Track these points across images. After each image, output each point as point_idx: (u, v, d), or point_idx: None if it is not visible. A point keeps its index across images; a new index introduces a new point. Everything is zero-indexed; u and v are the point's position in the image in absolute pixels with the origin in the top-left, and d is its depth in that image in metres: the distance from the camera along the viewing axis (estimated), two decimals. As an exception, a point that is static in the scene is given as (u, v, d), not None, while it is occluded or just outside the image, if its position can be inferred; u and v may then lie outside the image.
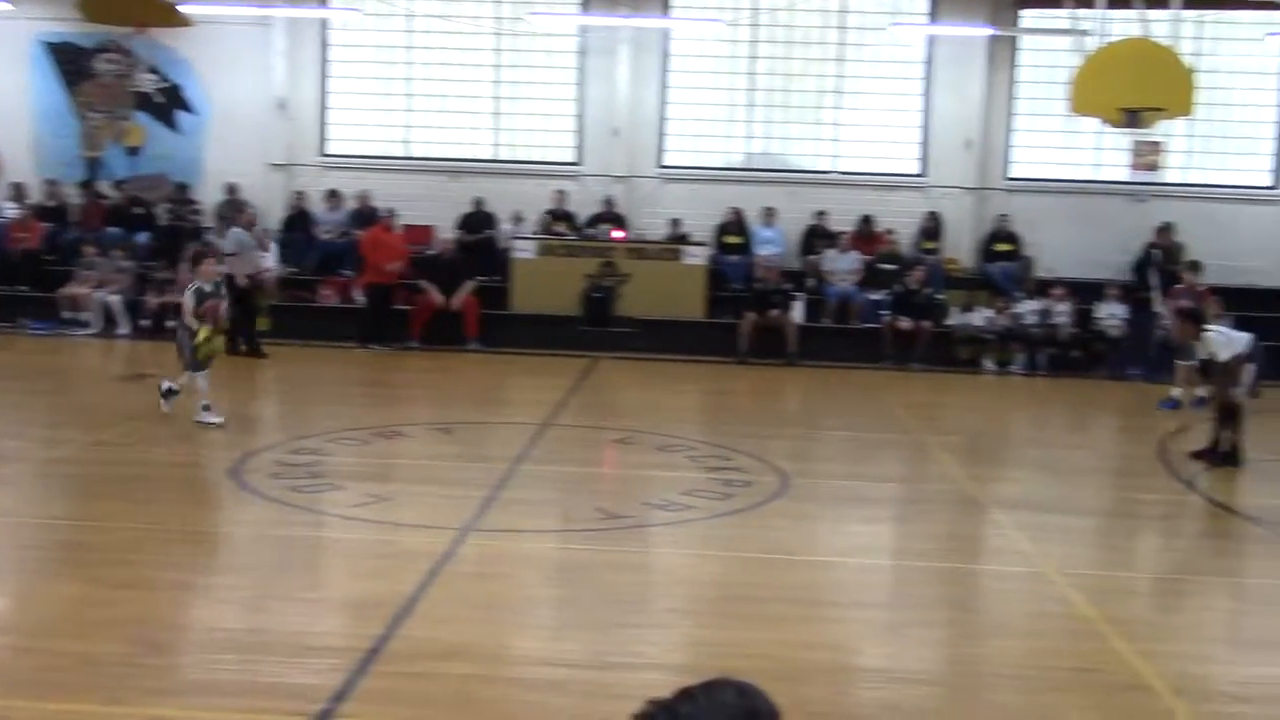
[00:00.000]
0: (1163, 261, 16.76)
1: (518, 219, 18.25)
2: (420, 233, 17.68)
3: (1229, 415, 10.27)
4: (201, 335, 10.33)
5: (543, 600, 6.72)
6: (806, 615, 6.39)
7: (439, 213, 18.04)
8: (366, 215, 17.91)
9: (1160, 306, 15.86)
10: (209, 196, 18.56)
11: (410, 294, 16.86)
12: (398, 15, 18.68)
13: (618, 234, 17.73)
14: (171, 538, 7.29)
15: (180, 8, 15.55)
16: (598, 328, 16.84)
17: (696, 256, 17.50)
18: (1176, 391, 13.87)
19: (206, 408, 10.35)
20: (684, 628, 6.20)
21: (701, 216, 18.29)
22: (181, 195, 18.55)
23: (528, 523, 7.94)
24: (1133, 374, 15.83)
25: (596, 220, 18.20)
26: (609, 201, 18.35)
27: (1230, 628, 6.80)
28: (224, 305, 10.87)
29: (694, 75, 18.91)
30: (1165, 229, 17.28)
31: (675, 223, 18.06)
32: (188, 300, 10.48)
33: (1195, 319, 10.88)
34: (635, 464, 10.37)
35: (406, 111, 19.08)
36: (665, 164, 18.97)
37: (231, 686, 5.09)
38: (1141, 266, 17.05)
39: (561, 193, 18.36)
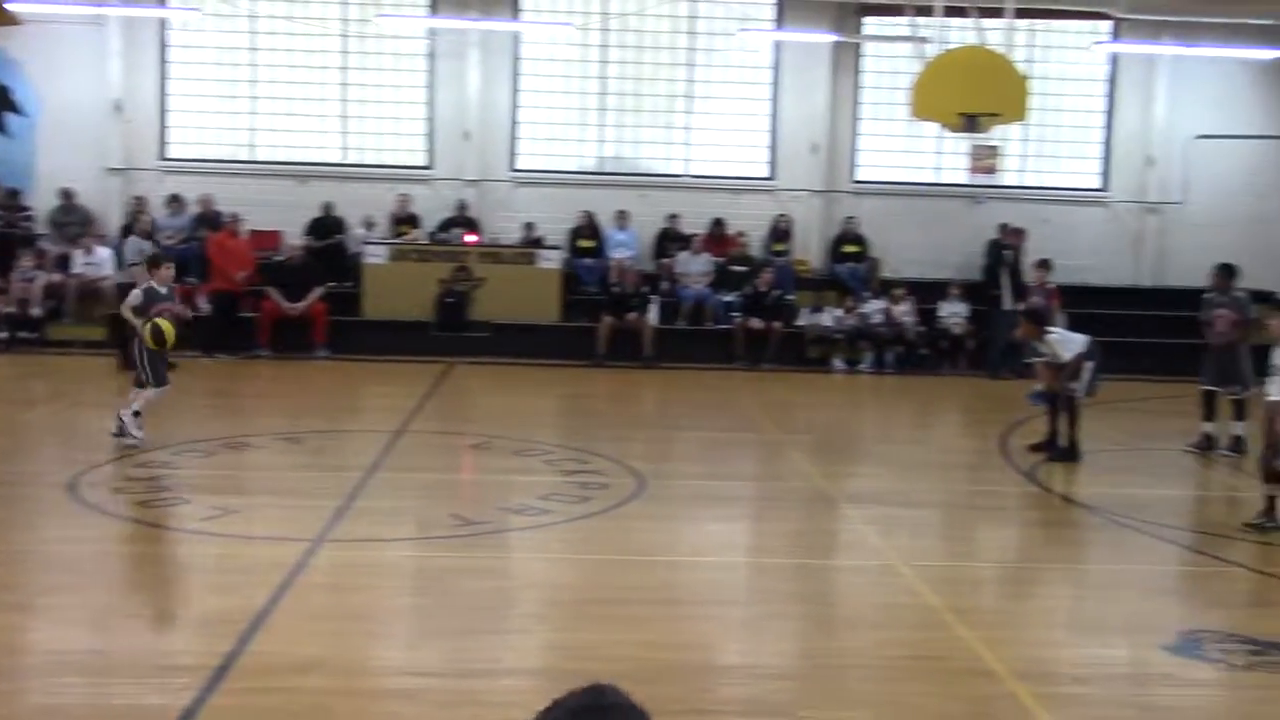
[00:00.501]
0: (1014, 261, 17.36)
1: (369, 224, 17.97)
2: (267, 238, 17.29)
3: (1068, 411, 10.69)
4: (162, 326, 9.99)
5: (398, 610, 6.64)
6: (665, 615, 6.46)
7: (287, 218, 17.64)
8: (210, 220, 17.43)
9: (1010, 305, 16.37)
10: (42, 202, 17.82)
11: (257, 301, 16.47)
12: (240, 16, 18.23)
13: (470, 238, 17.60)
14: (5, 558, 6.99)
15: (9, 6, 14.91)
16: (452, 333, 16.69)
17: (550, 260, 17.49)
18: (1039, 385, 14.39)
19: (137, 413, 10.00)
20: (542, 632, 6.20)
21: (555, 220, 18.28)
22: (12, 201, 17.77)
23: (382, 532, 7.83)
24: (1005, 374, 16.02)
25: (449, 224, 18.04)
26: (461, 205, 18.21)
27: (1069, 613, 7.08)
28: (180, 309, 10.88)
29: (545, 79, 18.90)
30: (1016, 230, 17.90)
31: (529, 226, 18.02)
32: (134, 298, 10.26)
33: (1039, 319, 11.27)
34: (491, 469, 10.32)
35: (251, 114, 18.61)
36: (518, 168, 18.91)
37: (79, 711, 4.92)
38: (993, 266, 17.61)
39: (405, 197, 18.12)
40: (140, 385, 10.09)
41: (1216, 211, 18.85)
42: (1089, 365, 10.53)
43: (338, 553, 7.29)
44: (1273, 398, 8.22)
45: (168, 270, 10.71)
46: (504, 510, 8.55)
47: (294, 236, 17.29)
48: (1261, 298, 10.39)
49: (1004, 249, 17.64)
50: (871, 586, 7.25)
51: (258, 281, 16.46)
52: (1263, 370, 8.92)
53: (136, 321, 10.06)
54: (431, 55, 18.65)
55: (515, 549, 7.86)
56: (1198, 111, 19.02)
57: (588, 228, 18.23)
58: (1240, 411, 11.30)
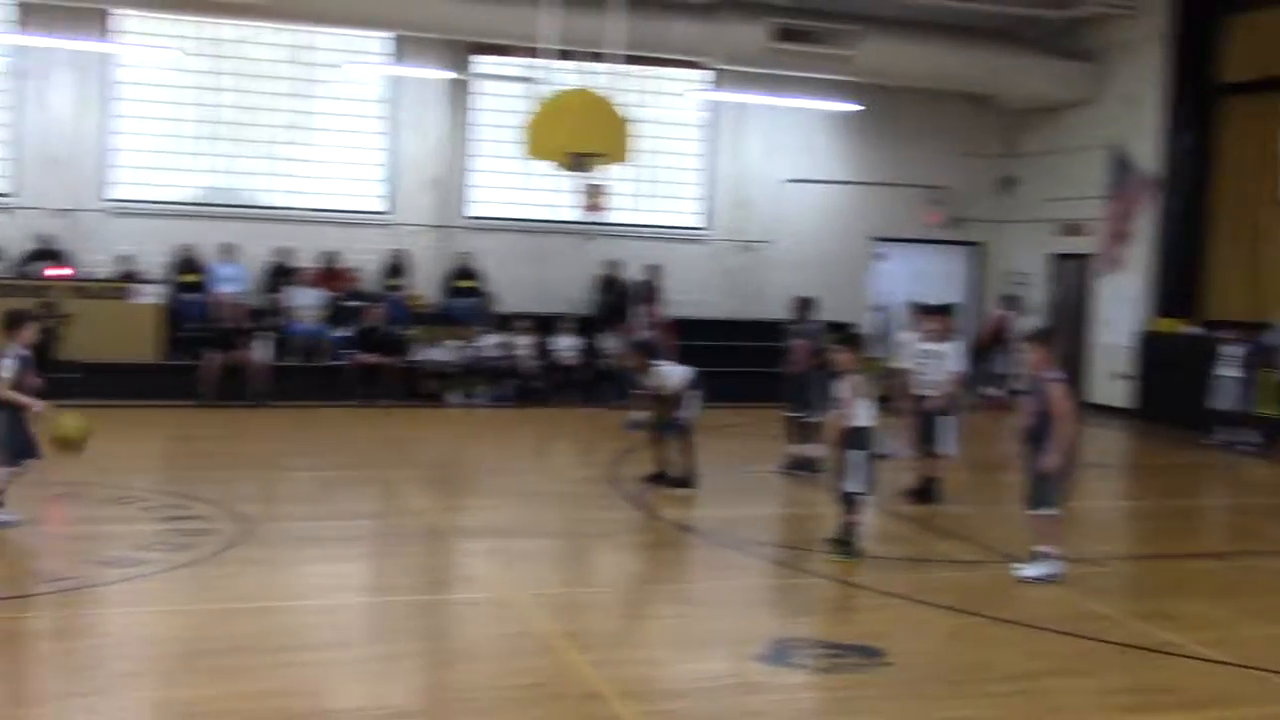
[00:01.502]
0: (645, 295, 18.06)
1: (-61, 256, 16.36)
2: None
3: (681, 440, 11.09)
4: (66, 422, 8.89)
5: (-27, 678, 6.07)
6: (276, 662, 6.25)
7: None
8: None
9: (636, 336, 16.96)
10: None
11: None
12: None
13: (57, 271, 16.34)
14: None
15: None
16: (37, 374, 15.39)
17: (148, 295, 16.54)
18: (637, 415, 15.03)
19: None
20: (142, 691, 5.84)
21: (156, 253, 17.34)
22: None
23: (-46, 593, 7.13)
24: (614, 404, 16.55)
25: (33, 257, 16.70)
26: (44, 238, 16.88)
27: (673, 631, 7.43)
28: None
29: (145, 104, 17.92)
30: (654, 267, 18.75)
31: (126, 259, 16.97)
32: (9, 370, 8.68)
33: (647, 351, 11.78)
34: (82, 519, 9.61)
35: None
36: (112, 197, 17.79)
37: None
38: (616, 300, 18.25)
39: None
40: None
41: (802, 249, 20.44)
42: (693, 395, 11.04)
43: (-101, 620, 6.58)
44: (836, 422, 8.91)
45: (30, 331, 9.08)
46: (96, 564, 7.98)
47: None
48: (836, 328, 11.31)
49: (635, 284, 18.42)
50: (488, 619, 7.33)
51: None
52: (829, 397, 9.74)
53: (17, 399, 8.72)
54: (16, 75, 17.26)
55: (109, 604, 7.36)
56: (786, 157, 20.58)
57: (190, 261, 17.40)
58: (813, 434, 12.27)
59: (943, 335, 11.23)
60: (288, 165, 18.63)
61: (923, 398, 11.00)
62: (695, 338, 17.33)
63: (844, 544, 8.72)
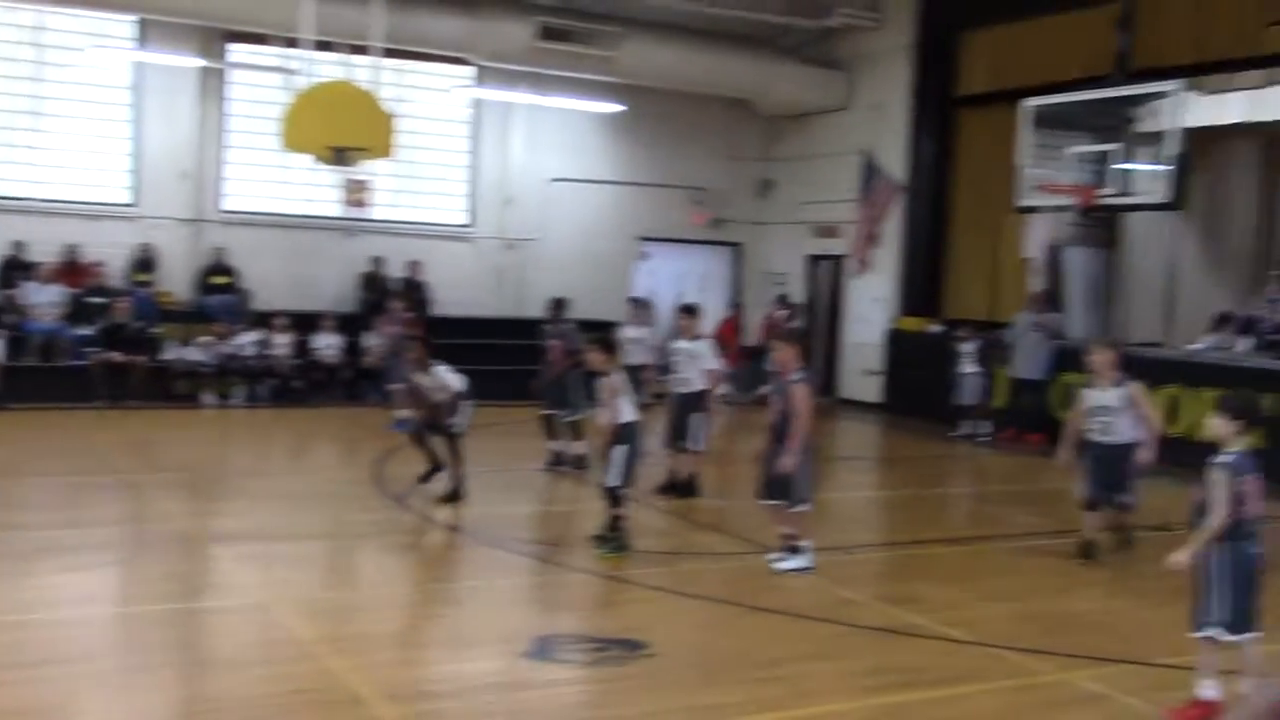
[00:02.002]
0: (405, 293, 17.78)
1: None
2: None
3: (452, 449, 10.79)
4: None
5: None
6: (17, 679, 5.87)
7: None
8: None
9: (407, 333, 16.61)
10: None
11: None
12: None
13: None
14: None
15: None
16: None
17: None
18: (403, 413, 14.83)
19: None
20: None
21: None
22: None
23: None
24: (373, 402, 16.31)
25: None
26: None
27: (438, 631, 7.37)
28: None
29: None
30: (415, 264, 18.52)
31: None
32: None
33: (428, 349, 11.17)
34: None
35: None
36: None
37: None
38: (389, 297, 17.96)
39: None
40: None
41: (569, 248, 20.57)
42: (466, 404, 10.75)
43: None
44: (604, 421, 8.99)
45: None
46: None
47: None
48: (596, 328, 11.38)
49: (404, 282, 18.21)
50: (245, 626, 7.08)
51: None
52: (592, 395, 9.85)
53: None
54: None
55: None
56: (552, 156, 20.65)
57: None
58: (576, 432, 12.39)
59: (692, 334, 11.45)
60: (25, 154, 17.51)
61: (678, 395, 11.25)
62: (461, 336, 17.20)
63: (610, 540, 8.83)
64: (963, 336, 16.59)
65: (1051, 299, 16.79)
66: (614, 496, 8.85)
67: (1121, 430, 9.16)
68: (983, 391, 16.37)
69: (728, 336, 19.07)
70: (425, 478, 10.91)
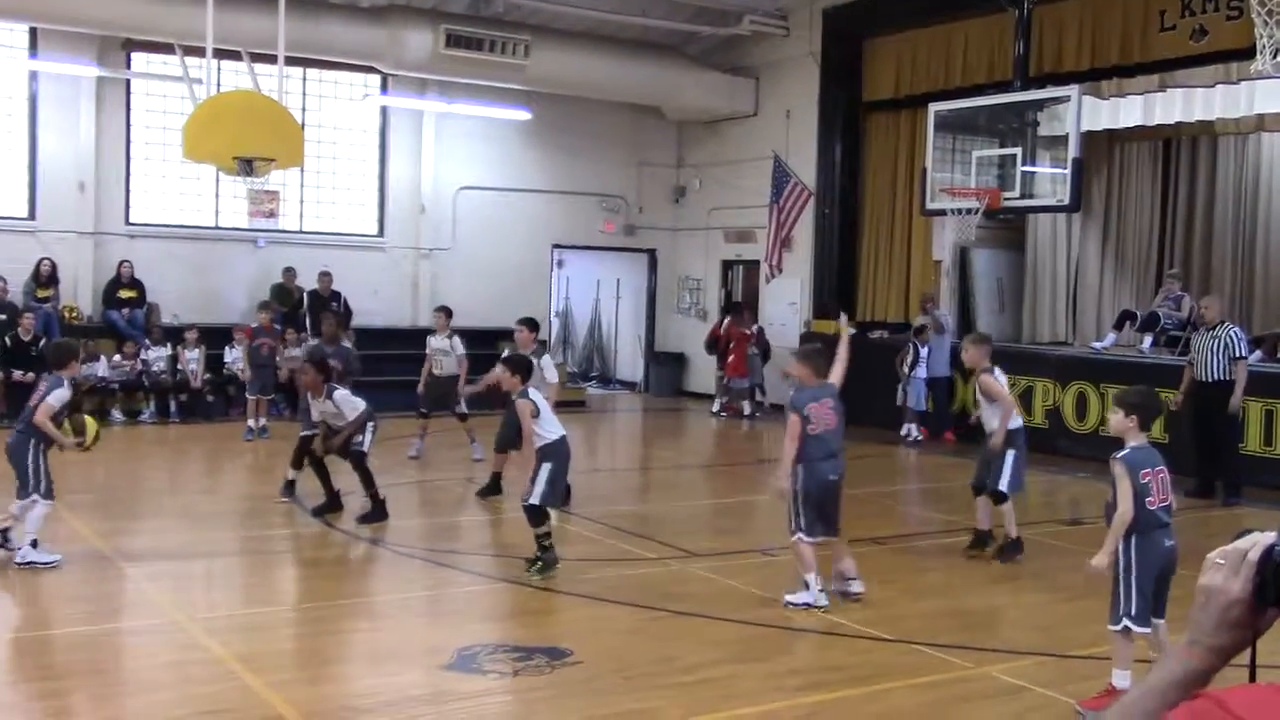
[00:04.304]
0: (335, 307, 17.55)
1: None
2: None
3: (359, 469, 10.53)
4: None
5: None
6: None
7: None
8: None
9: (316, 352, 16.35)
10: None
11: None
12: None
13: None
14: None
15: None
16: None
17: None
18: (251, 422, 15.17)
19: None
20: None
21: None
22: None
23: None
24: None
25: None
26: None
27: (358, 646, 7.27)
28: None
29: None
30: (324, 274, 18.35)
31: None
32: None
33: (325, 374, 10.56)
34: None
35: None
36: None
37: None
38: (310, 310, 17.72)
39: None
40: None
41: (483, 256, 20.45)
42: (370, 425, 10.47)
43: None
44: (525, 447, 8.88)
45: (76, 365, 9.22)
46: None
47: None
48: (503, 336, 11.28)
49: (313, 293, 17.94)
50: (158, 646, 6.93)
51: None
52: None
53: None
54: None
55: None
56: (463, 164, 20.53)
57: None
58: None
59: (532, 347, 11.29)
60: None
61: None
62: (375, 346, 17.04)
63: (538, 560, 8.56)
64: (923, 340, 16.34)
65: (934, 300, 17.03)
66: (536, 515, 8.62)
67: (989, 421, 9.37)
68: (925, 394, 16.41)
69: (739, 346, 18.98)
70: (320, 511, 10.46)
